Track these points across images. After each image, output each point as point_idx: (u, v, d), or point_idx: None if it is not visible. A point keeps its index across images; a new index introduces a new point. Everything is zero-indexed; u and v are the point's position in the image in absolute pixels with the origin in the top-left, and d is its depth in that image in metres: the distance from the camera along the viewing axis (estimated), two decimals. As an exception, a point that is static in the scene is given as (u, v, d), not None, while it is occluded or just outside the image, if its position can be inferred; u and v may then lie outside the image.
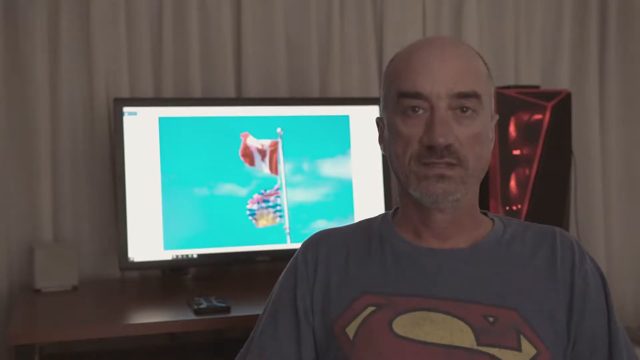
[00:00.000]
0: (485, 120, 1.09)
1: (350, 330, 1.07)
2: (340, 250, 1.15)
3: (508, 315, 1.04)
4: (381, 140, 1.15)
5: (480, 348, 1.02)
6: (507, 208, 1.96)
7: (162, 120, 1.86)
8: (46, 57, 1.95)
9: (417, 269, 1.09)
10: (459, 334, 1.03)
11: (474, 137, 1.05)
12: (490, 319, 1.04)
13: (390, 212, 1.19)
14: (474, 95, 1.05)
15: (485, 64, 1.12)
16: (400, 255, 1.11)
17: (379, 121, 1.16)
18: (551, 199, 2.01)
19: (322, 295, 1.11)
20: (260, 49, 2.12)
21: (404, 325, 1.04)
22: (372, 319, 1.06)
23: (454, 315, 1.04)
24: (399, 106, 1.06)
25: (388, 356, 1.03)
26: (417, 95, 1.04)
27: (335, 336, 1.08)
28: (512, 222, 1.16)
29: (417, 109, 1.05)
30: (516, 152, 1.98)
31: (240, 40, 2.10)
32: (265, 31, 2.13)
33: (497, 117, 1.15)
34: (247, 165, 1.92)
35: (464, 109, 1.05)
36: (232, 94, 2.09)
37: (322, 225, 1.95)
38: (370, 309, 1.07)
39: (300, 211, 1.95)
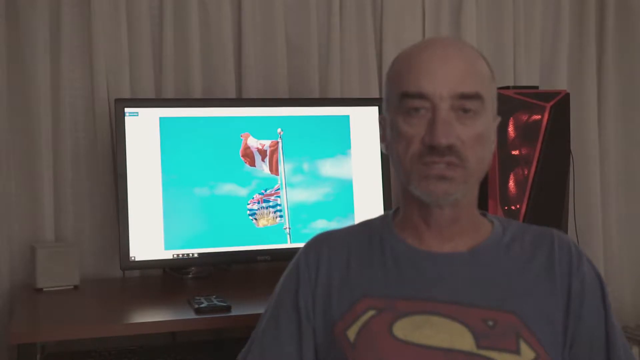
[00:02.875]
0: (487, 121, 1.09)
1: (351, 333, 1.07)
2: (342, 251, 1.15)
3: (507, 318, 1.05)
4: (383, 139, 1.16)
5: (479, 351, 1.03)
6: (506, 208, 1.97)
7: (162, 121, 1.87)
8: (47, 58, 1.95)
9: (417, 272, 1.10)
10: (459, 338, 1.04)
11: (476, 137, 1.06)
12: (490, 323, 1.05)
13: (391, 212, 1.20)
14: (477, 97, 1.06)
15: (489, 65, 1.13)
16: (400, 258, 1.12)
17: (381, 120, 1.17)
18: (550, 199, 2.01)
19: (323, 296, 1.12)
20: (261, 49, 2.13)
21: (404, 328, 1.05)
22: (373, 322, 1.07)
23: (454, 319, 1.05)
24: (402, 106, 1.07)
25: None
26: (420, 96, 1.05)
27: (335, 338, 1.09)
28: (511, 224, 1.17)
29: (419, 110, 1.05)
30: (515, 152, 1.99)
31: (241, 41, 2.11)
32: (266, 32, 2.13)
33: (499, 118, 1.15)
34: (247, 165, 1.93)
35: (466, 110, 1.05)
36: (232, 94, 2.09)
37: (322, 225, 1.96)
38: (371, 312, 1.07)
39: (300, 211, 1.96)
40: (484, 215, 1.19)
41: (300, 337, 1.12)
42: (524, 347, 1.03)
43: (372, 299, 1.09)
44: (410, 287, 1.08)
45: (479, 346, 1.03)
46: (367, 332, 1.06)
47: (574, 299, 1.08)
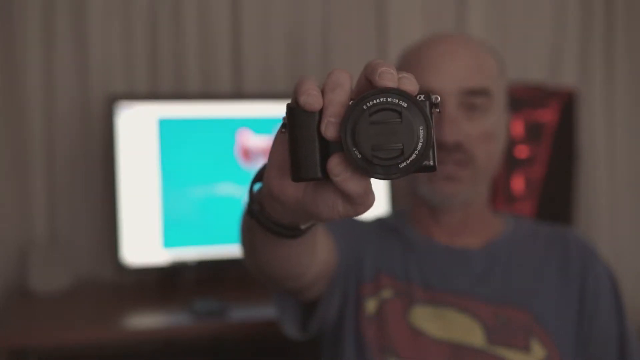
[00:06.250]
0: (496, 117, 1.08)
1: (370, 306, 1.06)
2: (369, 232, 1.16)
3: (520, 315, 1.04)
4: None
5: (489, 348, 1.01)
6: (512, 208, 1.93)
7: (159, 119, 1.83)
8: (40, 54, 1.91)
9: (433, 262, 1.09)
10: (470, 333, 1.02)
11: (484, 134, 1.05)
12: (502, 319, 1.04)
13: (403, 210, 1.20)
14: (484, 92, 1.05)
15: (498, 59, 1.11)
16: (417, 247, 1.11)
17: None
18: (556, 199, 1.98)
19: (361, 252, 1.11)
20: (259, 47, 2.10)
21: (418, 317, 1.04)
22: (391, 304, 1.05)
23: (467, 312, 1.03)
24: None
25: (398, 345, 1.02)
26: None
27: (357, 296, 1.07)
28: (525, 222, 1.16)
29: None
30: (520, 151, 1.95)
31: (239, 37, 2.07)
32: (264, 27, 2.10)
33: (511, 113, 1.15)
34: (246, 164, 1.89)
35: (474, 106, 1.04)
36: (230, 91, 2.06)
37: (323, 225, 1.92)
38: (390, 292, 1.06)
39: (300, 211, 1.92)
40: (496, 213, 1.18)
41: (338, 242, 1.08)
42: (535, 345, 1.02)
43: (392, 278, 1.08)
44: (427, 275, 1.08)
45: (489, 342, 1.01)
46: (385, 312, 1.05)
47: (587, 298, 1.07)
